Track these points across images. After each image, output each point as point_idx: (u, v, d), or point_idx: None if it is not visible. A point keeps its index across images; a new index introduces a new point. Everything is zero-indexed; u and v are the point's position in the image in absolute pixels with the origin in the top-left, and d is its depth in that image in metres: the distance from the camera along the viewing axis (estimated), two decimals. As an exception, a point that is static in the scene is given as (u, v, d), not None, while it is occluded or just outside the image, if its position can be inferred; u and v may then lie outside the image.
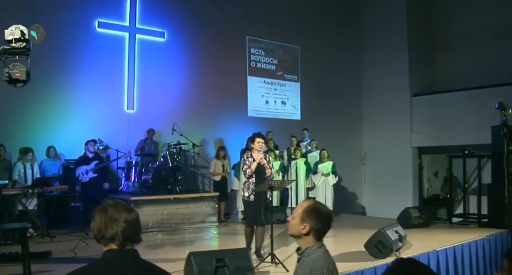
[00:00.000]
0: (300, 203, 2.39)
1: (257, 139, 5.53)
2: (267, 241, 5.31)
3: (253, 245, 5.61)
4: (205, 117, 10.11)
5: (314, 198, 9.51)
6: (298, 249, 2.38)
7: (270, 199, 5.59)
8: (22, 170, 7.58)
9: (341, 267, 4.84)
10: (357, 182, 12.87)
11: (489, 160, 8.67)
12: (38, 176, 7.59)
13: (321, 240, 2.30)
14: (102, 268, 1.72)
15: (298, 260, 2.39)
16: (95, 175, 7.69)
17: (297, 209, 2.32)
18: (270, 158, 5.90)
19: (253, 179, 5.43)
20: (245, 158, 5.53)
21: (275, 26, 11.43)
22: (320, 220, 2.24)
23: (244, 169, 5.48)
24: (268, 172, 5.54)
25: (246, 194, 5.45)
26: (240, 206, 9.15)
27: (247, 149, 9.20)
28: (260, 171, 5.49)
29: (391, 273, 1.66)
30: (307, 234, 2.27)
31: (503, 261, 1.91)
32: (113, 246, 1.75)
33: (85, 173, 7.62)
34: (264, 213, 5.32)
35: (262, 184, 5.31)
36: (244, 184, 5.57)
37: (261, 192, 5.38)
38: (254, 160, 5.47)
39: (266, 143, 7.82)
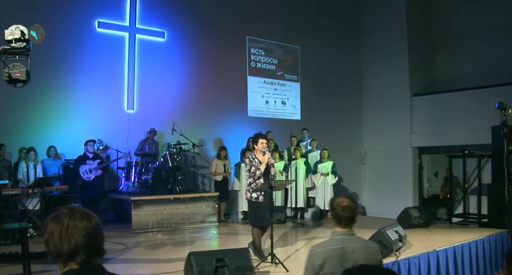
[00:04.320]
0: None
1: (260, 140, 5.51)
2: (267, 242, 5.30)
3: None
4: (205, 117, 10.11)
5: (313, 198, 9.53)
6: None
7: (273, 199, 5.60)
8: (25, 170, 7.59)
9: (341, 267, 4.85)
10: (357, 182, 12.87)
11: (489, 160, 8.67)
12: (41, 176, 7.60)
13: (343, 229, 2.64)
14: None
15: None
16: (99, 173, 7.71)
17: None
18: (275, 158, 5.91)
19: (261, 180, 5.41)
20: (251, 159, 5.48)
21: (275, 26, 11.43)
22: (335, 207, 2.64)
23: (252, 171, 5.42)
24: (273, 171, 5.58)
25: (255, 195, 5.38)
26: (241, 206, 9.15)
27: (248, 149, 9.22)
28: (266, 172, 5.50)
29: None
30: (334, 220, 2.69)
31: (504, 262, 1.92)
32: (73, 265, 1.46)
33: (89, 171, 7.63)
34: (268, 214, 5.32)
35: (262, 184, 5.31)
36: (249, 185, 5.48)
37: (267, 193, 5.37)
38: (259, 161, 5.46)
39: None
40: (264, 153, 5.53)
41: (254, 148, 5.61)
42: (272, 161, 5.57)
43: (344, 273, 1.69)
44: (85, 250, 1.46)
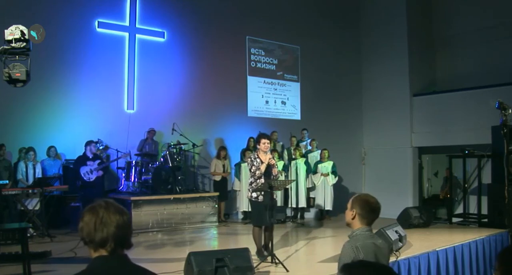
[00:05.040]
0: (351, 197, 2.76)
1: (263, 140, 5.52)
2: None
3: (254, 245, 5.61)
4: (205, 117, 10.11)
5: (313, 198, 9.53)
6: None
7: (277, 199, 5.62)
8: (24, 170, 7.60)
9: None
10: (357, 182, 12.86)
11: (489, 160, 8.67)
12: (40, 176, 7.59)
13: (367, 226, 2.65)
14: None
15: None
16: (101, 173, 7.72)
17: (349, 201, 2.72)
18: (275, 157, 5.93)
19: (262, 180, 5.44)
20: (252, 159, 5.53)
21: (275, 26, 11.43)
22: (364, 206, 2.63)
23: (253, 171, 5.48)
24: (275, 171, 5.59)
25: (254, 194, 5.42)
26: (241, 206, 9.16)
27: (248, 149, 9.23)
28: (268, 172, 5.52)
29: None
30: (353, 218, 2.64)
31: (495, 263, 1.93)
32: (103, 252, 1.62)
33: (90, 172, 7.64)
34: (269, 214, 5.33)
35: (262, 185, 5.32)
36: (251, 184, 5.53)
37: (267, 193, 5.38)
38: (261, 161, 5.48)
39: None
40: (266, 153, 5.55)
41: (257, 148, 5.65)
42: (273, 161, 5.58)
43: (344, 267, 1.70)
44: (115, 240, 1.62)
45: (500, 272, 1.85)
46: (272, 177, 5.58)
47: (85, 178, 7.61)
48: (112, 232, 1.61)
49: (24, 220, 6.65)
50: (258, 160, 5.50)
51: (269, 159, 5.52)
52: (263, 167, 5.45)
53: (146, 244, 6.59)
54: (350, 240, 2.61)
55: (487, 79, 10.67)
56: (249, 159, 5.61)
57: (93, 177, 7.64)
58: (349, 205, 2.69)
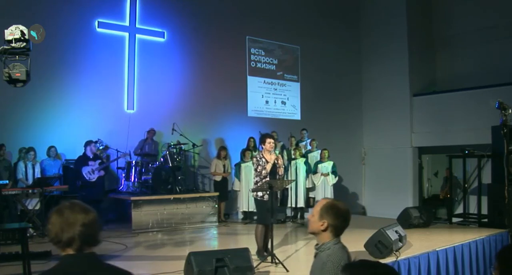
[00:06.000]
0: (319, 201, 2.48)
1: (268, 140, 5.60)
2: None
3: (254, 245, 5.61)
4: (205, 117, 10.11)
5: (313, 198, 9.53)
6: (316, 245, 2.47)
7: (279, 198, 5.65)
8: (24, 170, 7.59)
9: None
10: (357, 182, 12.87)
11: (489, 160, 8.67)
12: (39, 176, 7.59)
13: (338, 237, 2.41)
14: None
15: (315, 255, 2.48)
16: (102, 173, 7.72)
17: (316, 207, 2.43)
18: (280, 159, 5.97)
19: (268, 179, 5.49)
20: (258, 158, 5.59)
21: (275, 26, 11.43)
22: (338, 216, 2.36)
23: (259, 170, 5.53)
24: (280, 171, 5.64)
25: (260, 193, 5.49)
26: (241, 206, 9.16)
27: (248, 149, 9.24)
28: (273, 171, 5.57)
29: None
30: (325, 230, 2.37)
31: (495, 262, 1.93)
32: (70, 251, 1.69)
33: (92, 172, 7.64)
34: (272, 213, 5.37)
35: (262, 185, 5.35)
36: (256, 184, 5.60)
37: (272, 192, 5.42)
38: (266, 161, 5.53)
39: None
40: (271, 153, 5.60)
41: (263, 148, 5.68)
42: (280, 161, 5.63)
43: (346, 267, 1.70)
44: (81, 239, 1.68)
45: (499, 271, 1.85)
46: (277, 177, 5.63)
47: (87, 178, 7.61)
48: (78, 231, 1.67)
49: (24, 220, 6.65)
50: (263, 159, 5.56)
51: (275, 158, 5.58)
52: (268, 167, 5.51)
53: (146, 244, 6.59)
54: (329, 256, 2.32)
55: (487, 79, 10.68)
56: (254, 159, 5.68)
57: (94, 177, 7.64)
58: (316, 214, 2.38)
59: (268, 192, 5.43)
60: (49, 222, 1.70)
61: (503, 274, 1.84)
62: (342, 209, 2.38)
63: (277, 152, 5.81)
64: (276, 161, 5.57)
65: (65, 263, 1.69)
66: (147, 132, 8.98)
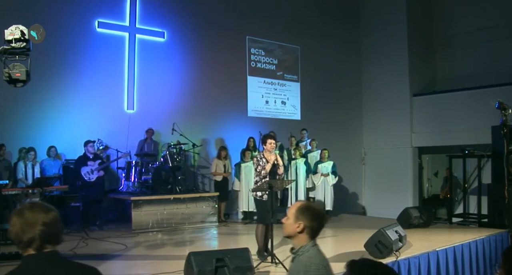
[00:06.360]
0: (293, 204, 2.46)
1: (269, 141, 5.65)
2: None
3: (254, 245, 5.62)
4: (205, 117, 10.11)
5: (313, 198, 9.54)
6: (292, 249, 2.42)
7: (279, 198, 5.66)
8: (23, 170, 7.59)
9: (341, 267, 4.83)
10: (357, 182, 12.87)
11: (489, 160, 8.67)
12: (39, 176, 7.59)
13: (314, 239, 2.38)
14: None
15: (292, 260, 2.42)
16: (102, 174, 7.72)
17: (291, 210, 2.39)
18: (281, 158, 6.01)
19: (267, 179, 5.53)
20: (258, 158, 5.64)
21: (275, 26, 11.43)
22: (314, 217, 2.33)
23: (258, 170, 5.59)
24: (280, 170, 5.66)
25: (259, 193, 5.52)
26: (241, 206, 9.16)
27: (248, 149, 9.24)
28: (273, 171, 5.60)
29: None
30: (301, 232, 2.33)
31: (501, 261, 1.94)
32: (31, 251, 1.70)
33: (91, 172, 7.64)
34: (272, 213, 5.38)
35: (261, 185, 5.36)
36: (256, 183, 5.64)
37: (272, 192, 5.43)
38: (267, 161, 5.57)
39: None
40: (271, 153, 5.65)
41: (255, 148, 5.72)
42: (280, 161, 5.65)
43: (351, 264, 1.71)
44: (41, 238, 1.69)
45: (504, 270, 1.85)
46: (277, 177, 5.66)
47: (85, 178, 7.61)
48: (39, 230, 1.68)
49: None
50: (264, 160, 5.61)
51: (274, 159, 5.61)
52: (268, 167, 5.55)
53: (146, 244, 6.59)
54: (311, 259, 2.28)
55: (487, 79, 10.68)
56: (255, 159, 5.72)
57: (93, 177, 7.64)
58: (292, 216, 2.35)
59: (267, 192, 5.45)
60: (10, 224, 1.71)
61: (509, 273, 1.84)
62: (317, 210, 2.37)
63: (277, 152, 5.82)
64: (275, 162, 5.60)
65: (25, 263, 1.69)
66: (145, 131, 8.98)
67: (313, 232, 2.35)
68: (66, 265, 1.77)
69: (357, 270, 1.67)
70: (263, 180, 5.51)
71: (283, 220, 2.41)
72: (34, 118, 8.17)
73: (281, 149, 9.89)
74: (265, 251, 5.52)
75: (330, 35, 12.40)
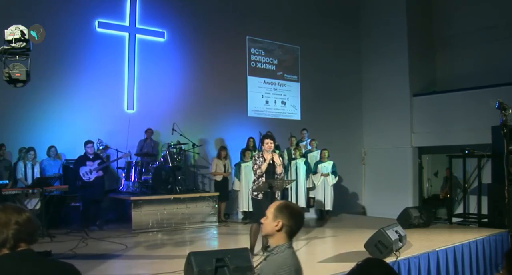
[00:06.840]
0: (272, 204, 2.45)
1: (266, 141, 5.71)
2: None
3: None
4: (205, 117, 10.11)
5: (313, 198, 9.54)
6: (267, 248, 2.46)
7: (278, 198, 5.65)
8: (23, 170, 7.59)
9: (341, 267, 4.84)
10: (357, 182, 12.87)
11: (489, 160, 8.67)
12: (38, 176, 7.59)
13: (291, 240, 2.38)
14: None
15: (266, 258, 2.43)
16: (100, 174, 7.72)
17: (270, 209, 2.40)
18: (280, 157, 6.03)
19: (263, 178, 5.56)
20: (256, 158, 5.69)
21: (275, 26, 11.43)
22: (292, 216, 2.34)
23: (254, 169, 5.64)
24: (278, 169, 5.67)
25: (255, 193, 5.56)
26: (241, 206, 9.16)
27: (248, 149, 9.24)
28: (269, 171, 5.62)
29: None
30: (279, 230, 2.34)
31: (503, 261, 1.94)
32: (5, 250, 1.74)
33: (89, 172, 7.64)
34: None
35: (261, 185, 5.38)
36: (253, 182, 5.70)
37: (268, 192, 5.44)
38: (264, 160, 5.61)
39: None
40: (269, 153, 5.68)
41: (255, 148, 5.76)
42: (278, 161, 5.66)
43: (366, 263, 1.75)
44: (15, 238, 1.73)
45: (507, 270, 1.86)
46: (276, 176, 5.66)
47: (84, 178, 7.60)
48: (12, 230, 1.73)
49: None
50: (261, 159, 5.65)
51: (272, 158, 5.63)
52: (264, 166, 5.57)
53: (146, 244, 6.59)
54: (286, 260, 2.28)
55: (487, 79, 10.68)
56: (253, 158, 5.77)
57: (92, 177, 7.63)
58: (270, 215, 2.36)
59: (262, 192, 5.48)
60: None
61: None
62: (296, 209, 2.39)
63: (277, 152, 5.85)
64: (271, 161, 5.61)
65: (0, 263, 1.72)
66: (144, 131, 8.98)
67: (291, 231, 2.36)
68: (41, 263, 1.79)
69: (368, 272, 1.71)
70: (259, 179, 5.57)
71: (262, 220, 2.42)
72: (34, 118, 8.17)
73: (276, 149, 9.89)
74: (264, 251, 5.52)
75: (330, 35, 12.40)
